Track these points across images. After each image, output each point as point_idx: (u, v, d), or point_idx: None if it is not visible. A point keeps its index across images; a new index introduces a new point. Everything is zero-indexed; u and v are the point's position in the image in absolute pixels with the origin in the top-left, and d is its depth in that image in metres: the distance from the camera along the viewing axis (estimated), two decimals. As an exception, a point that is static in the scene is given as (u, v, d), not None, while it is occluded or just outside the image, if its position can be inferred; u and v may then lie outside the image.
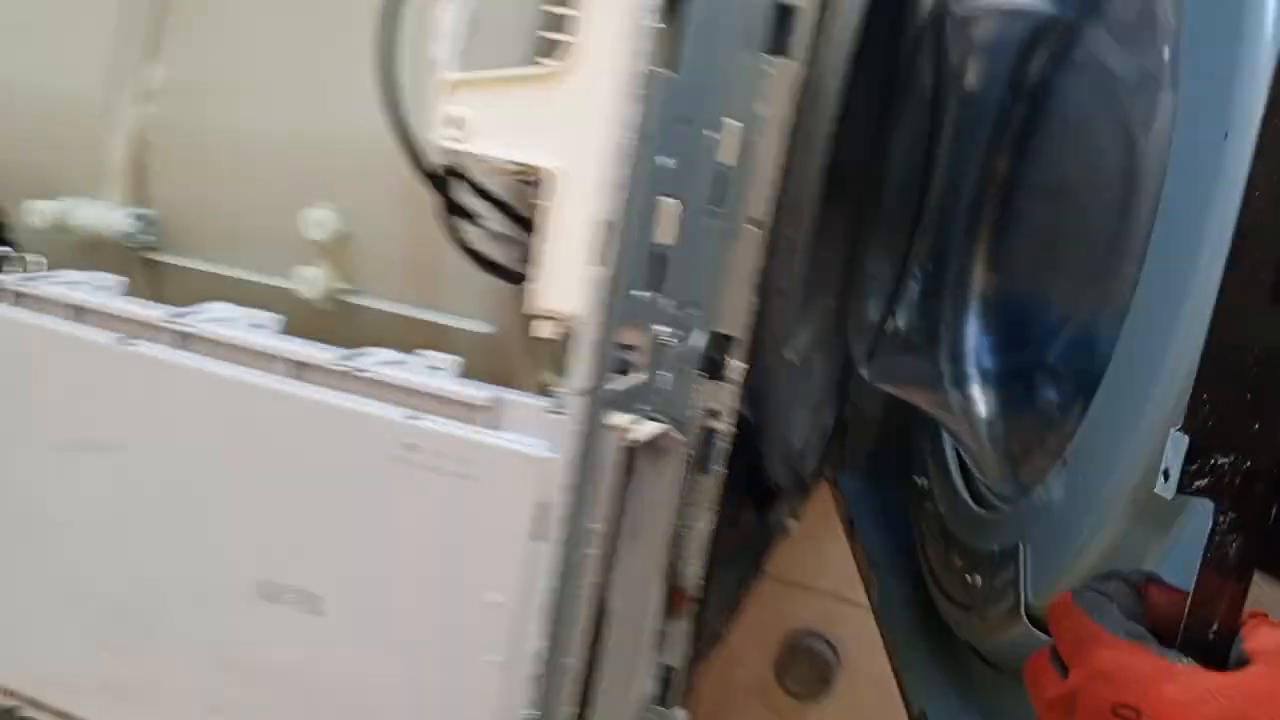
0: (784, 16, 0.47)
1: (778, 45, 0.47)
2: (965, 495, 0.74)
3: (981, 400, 0.77)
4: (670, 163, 0.37)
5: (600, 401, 0.37)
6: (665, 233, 0.39)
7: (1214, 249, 0.42)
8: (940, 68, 0.79)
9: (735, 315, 0.50)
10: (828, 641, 1.03)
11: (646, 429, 0.41)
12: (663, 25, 0.35)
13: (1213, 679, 0.37)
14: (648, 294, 0.39)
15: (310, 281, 0.50)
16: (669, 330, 0.42)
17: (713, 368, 0.50)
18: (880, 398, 1.01)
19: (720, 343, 0.50)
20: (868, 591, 0.92)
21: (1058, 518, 0.55)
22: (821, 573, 1.06)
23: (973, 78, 0.77)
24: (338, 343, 0.45)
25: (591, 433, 0.36)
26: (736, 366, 0.50)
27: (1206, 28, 0.48)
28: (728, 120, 0.44)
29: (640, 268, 0.38)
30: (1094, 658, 0.39)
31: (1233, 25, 0.45)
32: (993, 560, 0.63)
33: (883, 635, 0.87)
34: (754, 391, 0.58)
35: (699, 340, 0.47)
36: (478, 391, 0.39)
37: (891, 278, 0.88)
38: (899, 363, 0.86)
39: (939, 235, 0.82)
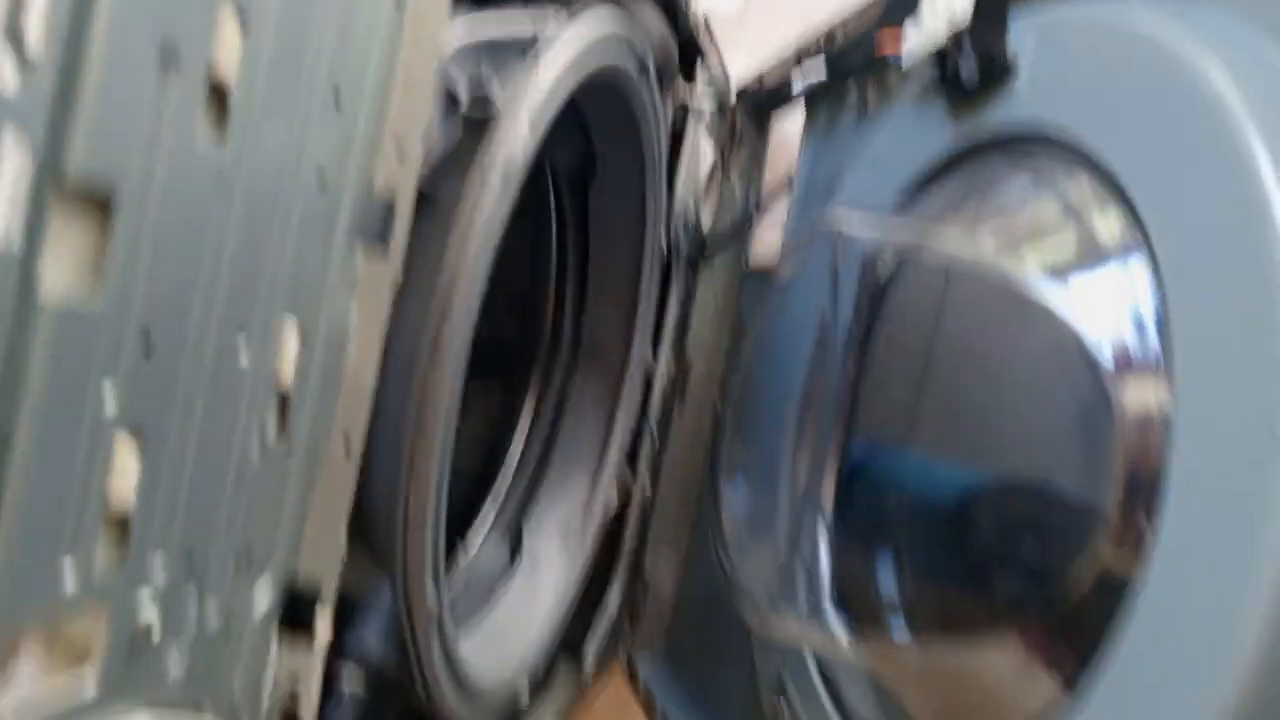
0: (383, 212, 0.40)
1: (380, 235, 0.40)
2: None
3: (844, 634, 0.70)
4: (108, 389, 0.28)
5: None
6: (121, 481, 0.30)
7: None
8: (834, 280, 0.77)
9: (322, 565, 0.40)
10: None
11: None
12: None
13: None
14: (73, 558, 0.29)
15: None
16: (157, 589, 0.32)
17: (300, 626, 0.40)
18: (673, 572, 0.96)
19: (303, 597, 0.40)
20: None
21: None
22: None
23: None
24: None
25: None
26: (325, 633, 0.40)
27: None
28: (282, 318, 0.36)
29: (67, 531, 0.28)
30: None
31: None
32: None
33: None
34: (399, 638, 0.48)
35: (261, 601, 0.38)
36: None
37: (752, 494, 0.83)
38: (783, 593, 0.79)
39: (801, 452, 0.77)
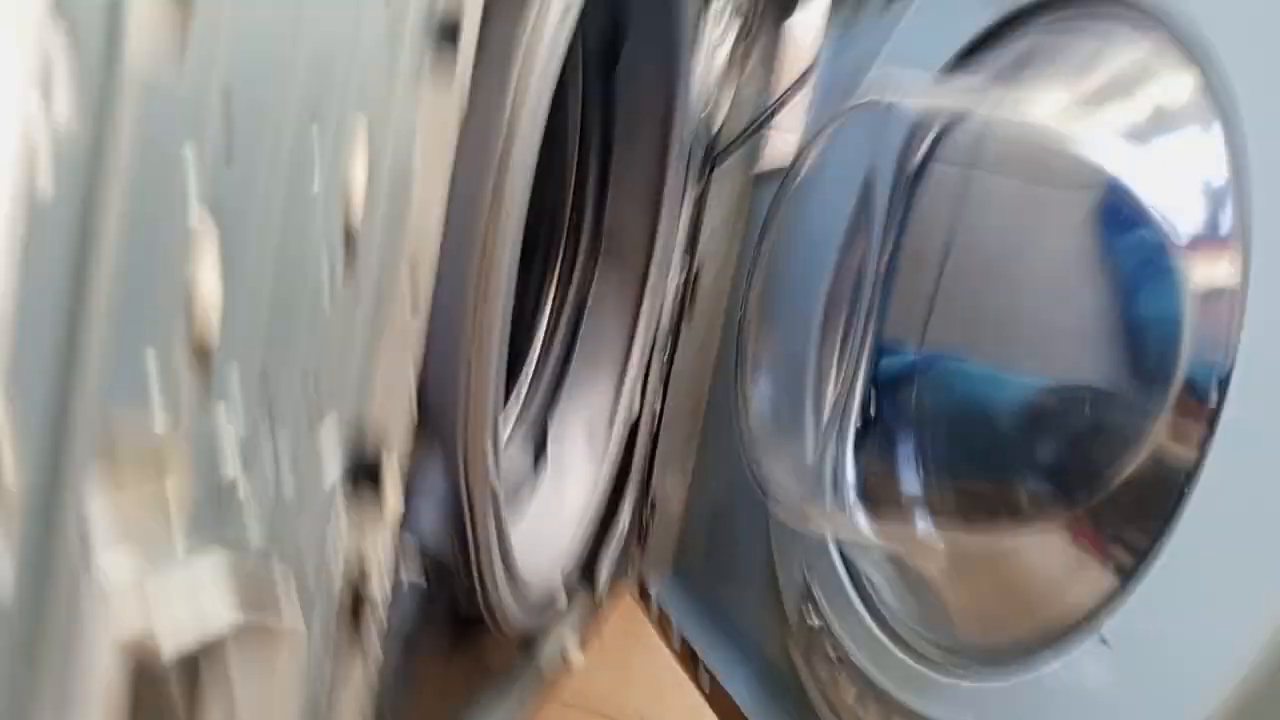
0: (452, 31, 0.36)
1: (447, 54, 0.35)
2: (894, 648, 0.61)
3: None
4: (191, 162, 0.24)
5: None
6: (205, 275, 0.26)
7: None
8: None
9: (389, 420, 0.36)
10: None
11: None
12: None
13: None
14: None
15: None
16: (235, 413, 0.28)
17: (365, 496, 0.36)
18: (681, 491, 0.94)
19: (369, 458, 0.36)
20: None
21: (1106, 708, 0.42)
22: (625, 694, 0.92)
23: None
24: None
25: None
26: (393, 495, 0.36)
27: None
28: (357, 122, 0.31)
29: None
30: None
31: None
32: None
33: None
34: (456, 517, 0.44)
35: (330, 446, 0.34)
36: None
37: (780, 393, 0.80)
38: (788, 470, 0.76)
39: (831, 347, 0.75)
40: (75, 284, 0.21)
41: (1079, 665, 0.44)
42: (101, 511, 0.24)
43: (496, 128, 0.38)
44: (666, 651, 0.85)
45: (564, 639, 0.77)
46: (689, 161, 0.80)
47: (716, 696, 0.78)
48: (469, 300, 0.40)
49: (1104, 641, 0.43)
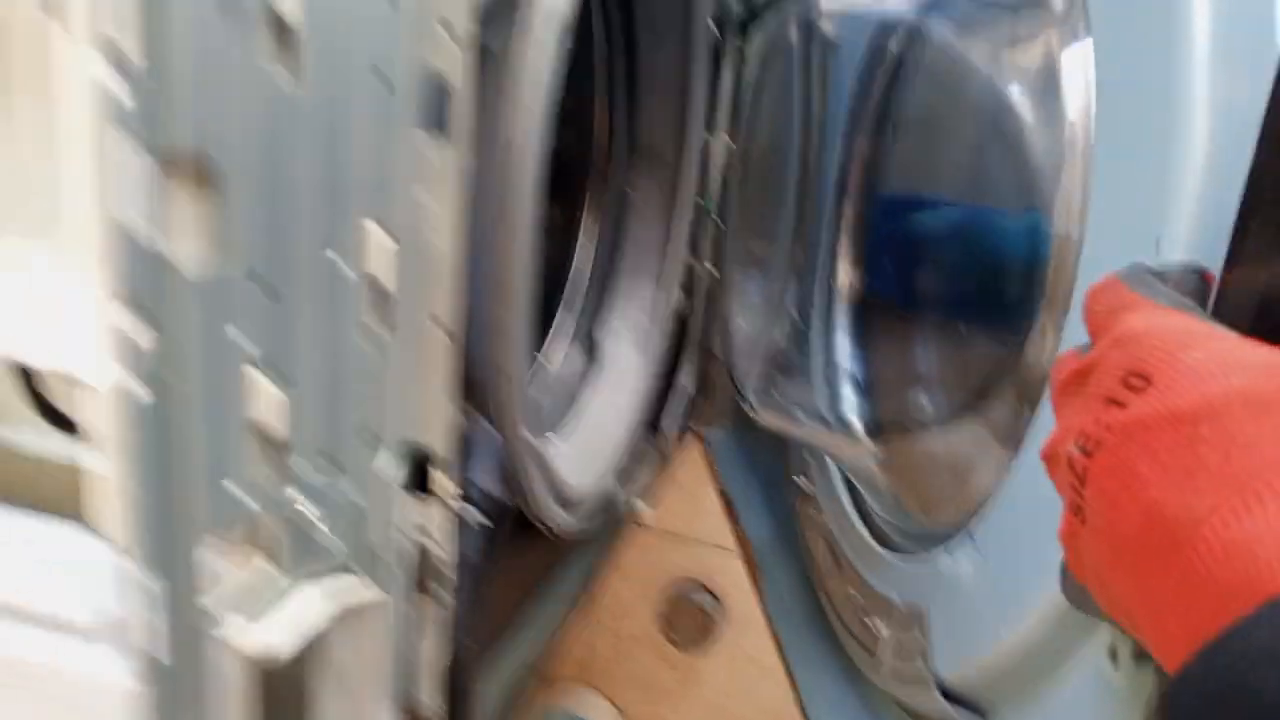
0: (442, 96, 0.39)
1: (438, 124, 0.40)
2: (857, 522, 0.72)
3: (859, 423, 0.74)
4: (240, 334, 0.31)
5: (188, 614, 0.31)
6: (266, 409, 0.33)
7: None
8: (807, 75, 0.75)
9: (434, 430, 0.44)
10: (710, 592, 1.00)
11: (297, 621, 0.36)
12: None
13: (1247, 351, 0.29)
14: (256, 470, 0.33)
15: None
16: (308, 486, 0.36)
17: (421, 483, 0.45)
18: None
19: (423, 458, 0.44)
20: (754, 582, 0.91)
21: (968, 600, 0.51)
22: (698, 523, 1.03)
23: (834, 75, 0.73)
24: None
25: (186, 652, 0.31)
26: (445, 487, 0.44)
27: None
28: (365, 223, 0.37)
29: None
30: (1121, 324, 0.32)
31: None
32: (894, 613, 0.61)
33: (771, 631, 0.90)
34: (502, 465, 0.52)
35: (388, 466, 0.42)
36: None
37: (761, 285, 0.85)
38: (778, 385, 0.83)
39: (806, 235, 0.78)
40: (166, 450, 0.29)
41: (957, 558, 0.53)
42: (223, 580, 0.33)
43: (496, 158, 0.43)
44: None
45: (633, 496, 0.87)
46: (722, 25, 0.80)
47: (742, 540, 0.92)
48: (493, 307, 0.46)
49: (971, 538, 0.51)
